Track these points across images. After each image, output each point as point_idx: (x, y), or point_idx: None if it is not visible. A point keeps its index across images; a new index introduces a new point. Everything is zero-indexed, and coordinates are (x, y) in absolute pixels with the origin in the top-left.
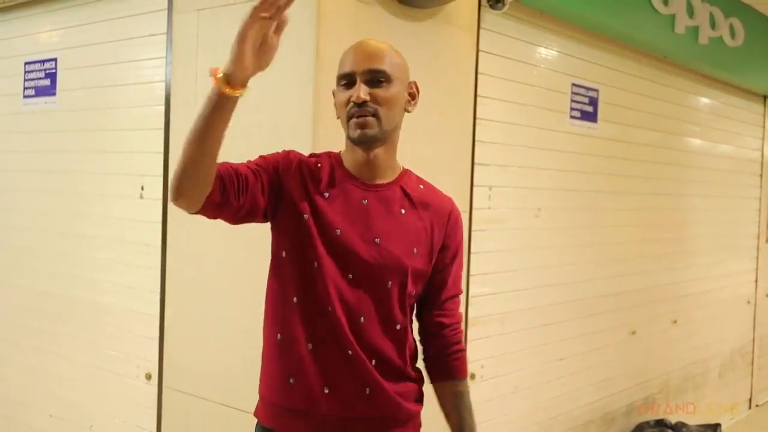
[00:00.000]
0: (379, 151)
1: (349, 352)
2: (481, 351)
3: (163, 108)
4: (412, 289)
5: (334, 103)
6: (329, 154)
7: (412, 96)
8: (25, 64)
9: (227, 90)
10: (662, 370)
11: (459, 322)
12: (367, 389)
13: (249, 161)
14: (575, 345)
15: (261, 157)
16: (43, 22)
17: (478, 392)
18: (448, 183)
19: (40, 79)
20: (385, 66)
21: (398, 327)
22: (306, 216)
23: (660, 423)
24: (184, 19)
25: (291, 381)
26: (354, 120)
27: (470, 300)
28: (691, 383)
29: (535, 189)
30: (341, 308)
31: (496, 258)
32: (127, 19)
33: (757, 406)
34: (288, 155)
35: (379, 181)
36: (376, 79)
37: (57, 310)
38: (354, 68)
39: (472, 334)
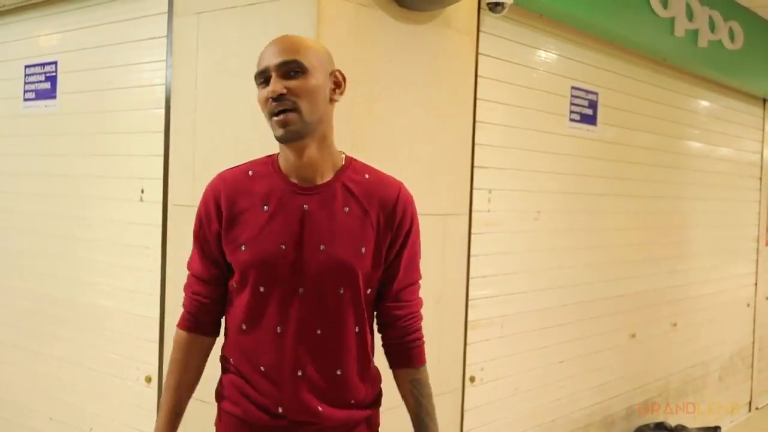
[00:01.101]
0: (310, 150)
1: (299, 372)
2: (480, 354)
3: (163, 111)
4: (365, 289)
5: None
6: (265, 160)
7: (338, 84)
8: (26, 67)
9: None
10: (662, 373)
11: (416, 311)
12: (320, 407)
13: (197, 261)
14: (575, 348)
15: (194, 232)
16: (44, 25)
17: (478, 395)
18: (447, 185)
19: (40, 82)
20: (299, 56)
21: (357, 330)
22: (243, 247)
23: (660, 426)
24: (184, 22)
25: (248, 398)
26: (275, 118)
27: (470, 303)
28: (691, 386)
29: (535, 192)
30: (294, 327)
31: (495, 261)
32: (128, 22)
33: (757, 408)
34: (206, 203)
35: (319, 181)
36: (291, 70)
37: (57, 313)
38: (267, 63)
39: (471, 336)
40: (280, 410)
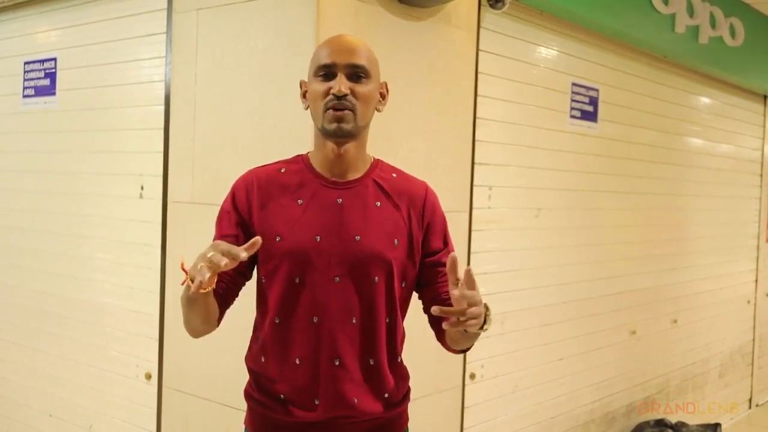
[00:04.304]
0: (349, 147)
1: (336, 362)
2: (481, 351)
3: (162, 108)
4: (399, 281)
5: (302, 94)
6: (296, 159)
7: (383, 96)
8: (25, 63)
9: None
10: (662, 370)
11: None
12: (356, 399)
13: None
14: (575, 345)
15: (220, 221)
16: (43, 21)
17: (478, 392)
18: (447, 183)
19: (39, 79)
20: (365, 62)
21: (387, 320)
22: (278, 238)
23: (660, 423)
24: (183, 19)
25: (282, 396)
26: (331, 112)
27: None
28: (691, 383)
29: (535, 189)
30: (330, 316)
31: (495, 258)
32: (127, 19)
33: (757, 405)
34: (241, 188)
35: (351, 177)
36: (356, 74)
37: (57, 311)
38: (335, 60)
39: None
40: (317, 402)
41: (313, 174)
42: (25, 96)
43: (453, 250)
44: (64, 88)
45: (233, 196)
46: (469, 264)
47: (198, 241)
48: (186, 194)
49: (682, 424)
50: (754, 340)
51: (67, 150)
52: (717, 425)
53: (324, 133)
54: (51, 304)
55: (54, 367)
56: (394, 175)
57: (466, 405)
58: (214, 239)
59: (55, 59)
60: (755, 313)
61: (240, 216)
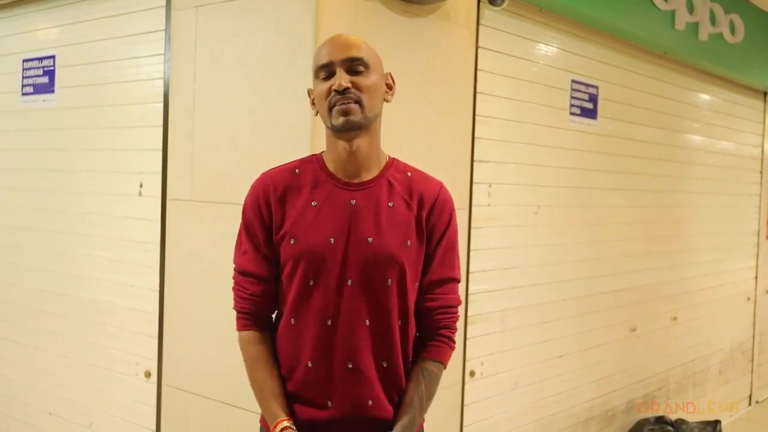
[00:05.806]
0: (361, 142)
1: (349, 365)
2: (480, 348)
3: (161, 105)
4: (412, 282)
5: (311, 101)
6: (310, 158)
7: (389, 86)
8: (23, 61)
9: None
10: (662, 367)
11: (449, 306)
12: (370, 401)
13: (246, 254)
14: (575, 342)
15: (245, 230)
16: (41, 19)
17: (478, 389)
18: (447, 180)
19: (38, 76)
20: (363, 54)
21: (400, 323)
22: (293, 241)
23: (660, 420)
24: (182, 16)
25: (295, 396)
26: (337, 107)
27: (470, 297)
28: (691, 380)
29: (535, 186)
30: (344, 319)
31: (495, 255)
32: (126, 16)
33: (757, 402)
34: (255, 199)
35: (365, 177)
36: (356, 67)
37: (56, 309)
38: (332, 58)
39: (471, 331)
40: (329, 404)
41: (326, 175)
42: (23, 94)
43: (451, 272)
44: (63, 85)
45: (256, 207)
46: (468, 262)
47: (197, 238)
48: (185, 192)
49: (682, 421)
50: (753, 337)
51: (66, 148)
52: (717, 422)
53: (334, 131)
54: (51, 302)
55: (54, 365)
56: (409, 173)
57: (465, 402)
58: (246, 249)
59: (53, 57)
60: (755, 310)
61: (267, 230)
